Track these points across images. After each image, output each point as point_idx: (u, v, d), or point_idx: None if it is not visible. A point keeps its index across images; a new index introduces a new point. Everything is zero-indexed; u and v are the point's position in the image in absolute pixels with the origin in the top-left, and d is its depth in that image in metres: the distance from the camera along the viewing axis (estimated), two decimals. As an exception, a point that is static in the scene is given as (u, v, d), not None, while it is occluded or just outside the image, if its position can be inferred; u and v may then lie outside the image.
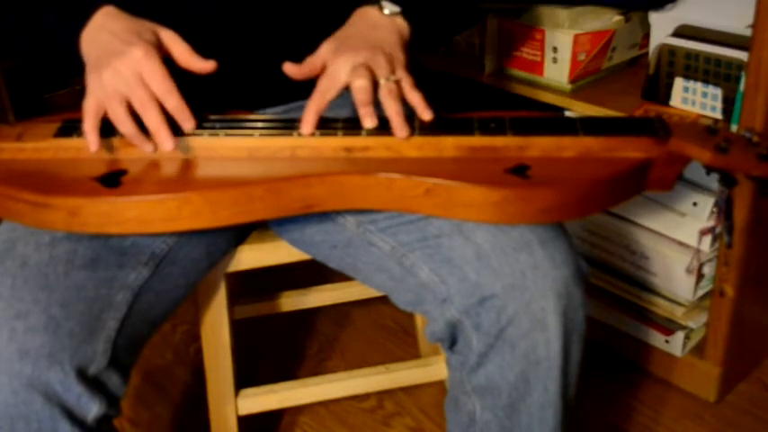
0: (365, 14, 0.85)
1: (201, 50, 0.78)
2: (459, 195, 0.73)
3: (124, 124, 0.75)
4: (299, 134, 0.79)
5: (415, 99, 0.80)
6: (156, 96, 0.75)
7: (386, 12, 0.85)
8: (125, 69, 0.74)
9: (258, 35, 0.92)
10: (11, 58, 0.96)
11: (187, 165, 0.78)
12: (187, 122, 0.77)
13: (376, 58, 0.79)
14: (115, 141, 0.79)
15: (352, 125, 0.80)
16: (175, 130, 0.77)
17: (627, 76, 1.35)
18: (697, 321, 1.29)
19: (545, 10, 1.33)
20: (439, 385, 1.28)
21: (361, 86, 0.77)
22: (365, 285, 0.91)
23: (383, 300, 0.93)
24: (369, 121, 0.79)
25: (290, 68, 0.82)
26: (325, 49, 0.82)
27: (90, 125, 0.76)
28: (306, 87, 0.97)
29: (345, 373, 1.17)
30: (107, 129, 0.78)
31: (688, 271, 1.24)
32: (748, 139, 0.78)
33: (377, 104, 0.97)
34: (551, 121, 0.81)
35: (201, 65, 0.78)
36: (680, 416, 1.27)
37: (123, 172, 0.77)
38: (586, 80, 1.32)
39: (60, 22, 0.81)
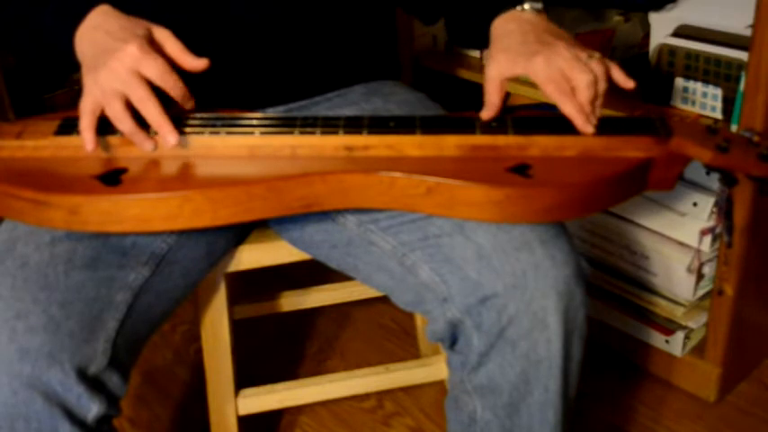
0: (515, 17, 0.84)
1: (203, 50, 0.78)
2: (460, 194, 0.73)
3: (123, 122, 0.75)
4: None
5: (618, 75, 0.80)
6: (156, 82, 0.75)
7: (526, 7, 0.84)
8: (121, 66, 0.74)
9: (260, 35, 0.92)
10: (10, 53, 0.96)
11: (188, 163, 0.78)
12: (187, 103, 0.77)
13: (575, 51, 0.78)
14: (115, 139, 0.79)
15: (353, 124, 0.80)
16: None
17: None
18: (697, 321, 1.29)
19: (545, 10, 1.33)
20: (439, 385, 1.28)
21: (589, 81, 0.76)
22: (365, 285, 0.91)
23: (383, 300, 0.93)
24: (590, 126, 0.78)
25: (486, 115, 0.81)
26: (495, 70, 0.81)
27: (86, 123, 0.76)
28: (307, 87, 0.97)
29: (345, 373, 1.17)
30: (107, 126, 0.78)
31: (689, 271, 1.24)
32: (748, 138, 0.78)
33: (371, 105, 0.97)
34: (553, 121, 0.81)
35: (194, 62, 0.77)
36: (680, 416, 1.27)
37: (123, 170, 0.76)
38: (586, 80, 1.32)
39: (56, 20, 0.81)
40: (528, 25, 0.83)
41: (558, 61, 0.78)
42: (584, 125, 0.78)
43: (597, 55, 0.79)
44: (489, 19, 0.86)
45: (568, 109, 0.78)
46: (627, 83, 0.80)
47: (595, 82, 0.77)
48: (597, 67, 0.78)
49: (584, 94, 0.77)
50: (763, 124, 1.06)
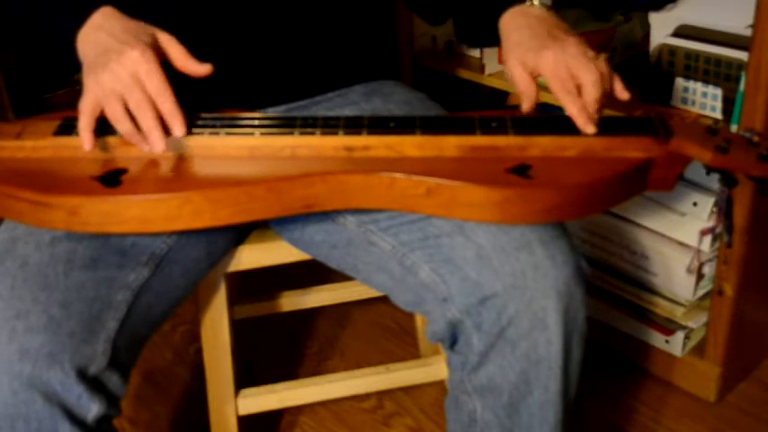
0: (524, 12, 0.85)
1: (204, 50, 0.78)
2: (460, 195, 0.73)
3: (121, 122, 0.75)
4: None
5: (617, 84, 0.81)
6: (152, 98, 0.75)
7: (535, 2, 0.85)
8: (122, 69, 0.74)
9: (260, 35, 0.92)
10: (11, 51, 0.96)
11: (188, 164, 0.78)
12: (178, 128, 0.76)
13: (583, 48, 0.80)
14: (115, 140, 0.79)
15: (353, 124, 0.80)
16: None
17: (627, 77, 1.34)
18: (697, 321, 1.29)
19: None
20: (439, 385, 1.28)
21: (596, 80, 0.77)
22: (365, 285, 0.91)
23: (383, 300, 0.93)
24: (592, 126, 0.78)
25: (527, 107, 0.82)
26: (515, 59, 0.82)
27: (85, 123, 0.76)
28: (307, 87, 0.97)
29: (345, 373, 1.17)
30: (107, 127, 0.77)
31: (688, 271, 1.24)
32: (748, 139, 0.78)
33: (371, 105, 0.97)
34: (553, 121, 0.81)
35: (197, 68, 0.78)
36: (680, 416, 1.27)
37: (123, 171, 0.76)
38: (586, 80, 1.31)
39: (59, 19, 0.81)
40: (536, 20, 0.84)
41: (566, 58, 0.79)
42: (586, 125, 0.78)
43: (603, 56, 0.80)
44: (497, 15, 0.87)
45: (571, 108, 0.79)
46: (623, 93, 0.82)
47: (601, 81, 0.78)
48: (603, 66, 0.79)
49: (590, 92, 0.78)
50: (763, 124, 1.06)
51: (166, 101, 0.75)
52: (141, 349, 0.84)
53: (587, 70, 0.78)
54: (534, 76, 0.82)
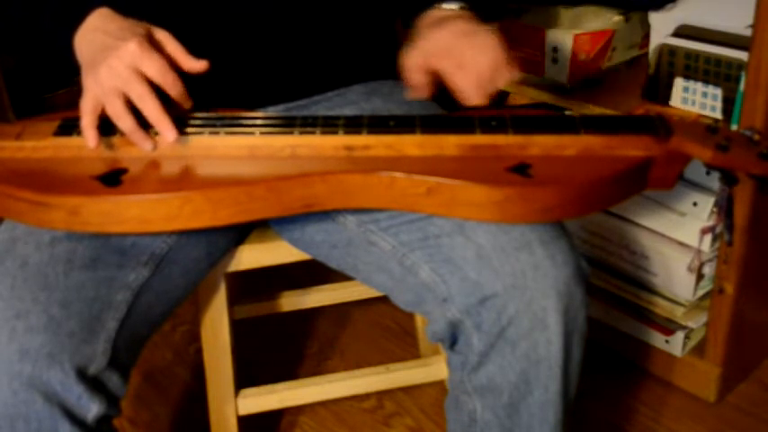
0: (433, 16, 0.87)
1: (203, 50, 0.78)
2: (460, 194, 0.73)
3: (123, 120, 0.75)
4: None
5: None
6: (155, 80, 0.75)
7: (447, 6, 0.87)
8: (120, 64, 0.74)
9: (259, 34, 0.92)
10: (10, 55, 0.96)
11: (188, 163, 0.78)
12: (186, 102, 0.77)
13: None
14: (115, 140, 0.79)
15: (352, 123, 0.80)
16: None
17: (627, 76, 1.35)
18: (697, 321, 1.29)
19: (545, 10, 1.33)
20: (439, 385, 1.28)
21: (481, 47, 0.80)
22: (365, 285, 0.91)
23: (383, 300, 0.92)
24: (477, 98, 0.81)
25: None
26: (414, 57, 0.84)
27: (87, 122, 0.76)
28: (307, 87, 0.97)
29: (345, 373, 1.17)
30: (107, 127, 0.78)
31: (689, 270, 1.24)
32: (749, 137, 0.78)
33: (371, 105, 0.97)
34: (552, 120, 0.81)
35: (194, 64, 0.77)
36: (680, 416, 1.27)
37: (124, 171, 0.76)
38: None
39: (55, 22, 0.81)
40: (445, 20, 0.85)
41: (454, 39, 0.82)
42: (471, 97, 0.81)
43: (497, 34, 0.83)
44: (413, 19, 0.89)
45: (460, 81, 0.81)
46: (511, 71, 0.83)
47: (486, 50, 0.81)
48: (494, 40, 0.82)
49: (476, 60, 0.81)
50: (764, 124, 1.06)
51: (173, 83, 0.75)
52: (141, 349, 0.84)
53: (471, 45, 0.80)
54: (430, 68, 0.83)
